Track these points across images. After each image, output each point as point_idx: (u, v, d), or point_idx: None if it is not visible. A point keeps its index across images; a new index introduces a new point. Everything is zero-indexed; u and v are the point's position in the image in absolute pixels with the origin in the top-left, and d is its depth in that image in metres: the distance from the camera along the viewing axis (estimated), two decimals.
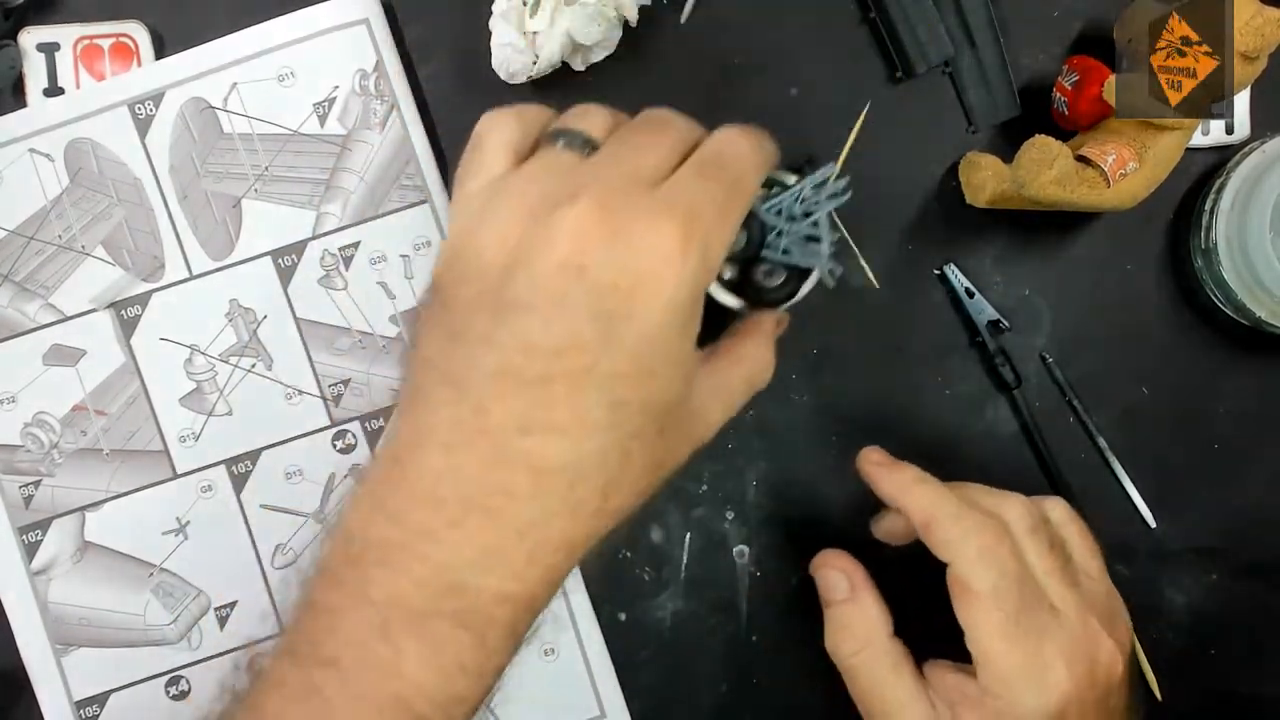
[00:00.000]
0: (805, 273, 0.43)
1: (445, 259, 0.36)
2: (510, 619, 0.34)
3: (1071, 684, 0.41)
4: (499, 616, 0.34)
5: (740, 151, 0.37)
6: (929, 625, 0.43)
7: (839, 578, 0.46)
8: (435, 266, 0.37)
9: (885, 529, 0.48)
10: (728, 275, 0.43)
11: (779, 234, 0.42)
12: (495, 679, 0.35)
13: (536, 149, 0.38)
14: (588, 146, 0.37)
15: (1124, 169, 0.47)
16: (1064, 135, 0.47)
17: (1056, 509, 0.46)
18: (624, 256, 0.33)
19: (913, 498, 0.44)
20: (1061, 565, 0.44)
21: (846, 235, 0.45)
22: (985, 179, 0.49)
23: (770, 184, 0.43)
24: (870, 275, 0.47)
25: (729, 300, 0.42)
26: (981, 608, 0.42)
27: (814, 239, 0.42)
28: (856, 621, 0.45)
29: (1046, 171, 0.45)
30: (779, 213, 0.42)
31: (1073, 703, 0.42)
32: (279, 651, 0.36)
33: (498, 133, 0.38)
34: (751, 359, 0.41)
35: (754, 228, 0.42)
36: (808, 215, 0.42)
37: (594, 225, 0.34)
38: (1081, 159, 0.47)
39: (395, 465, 0.35)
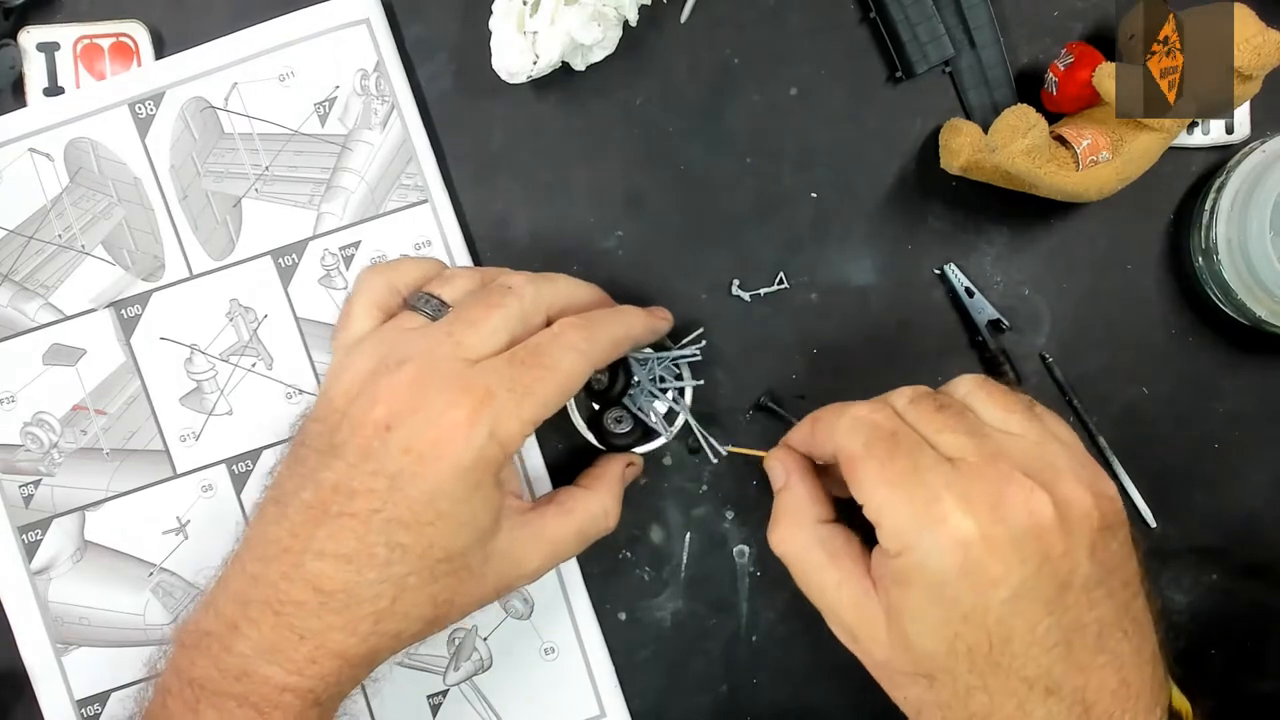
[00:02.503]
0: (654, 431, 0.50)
1: (316, 399, 0.44)
2: (295, 708, 0.41)
3: (970, 520, 0.38)
4: (284, 703, 0.40)
5: (564, 342, 0.43)
6: None
7: (776, 467, 0.46)
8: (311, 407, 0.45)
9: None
10: (586, 410, 0.49)
11: (638, 387, 0.49)
12: None
13: (403, 307, 0.46)
14: (440, 311, 0.44)
15: (1096, 156, 0.47)
16: (1050, 119, 0.48)
17: (960, 382, 0.44)
18: (422, 424, 0.40)
19: (802, 422, 0.45)
20: (954, 419, 0.41)
21: (691, 420, 0.50)
22: (962, 144, 0.49)
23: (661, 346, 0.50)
24: (710, 449, 0.51)
25: (585, 434, 0.49)
26: (859, 465, 0.40)
27: (667, 402, 0.50)
28: (785, 508, 0.45)
29: (1020, 139, 0.45)
30: (646, 366, 0.49)
31: (976, 543, 0.37)
32: None
33: (366, 294, 0.45)
34: (583, 511, 0.46)
35: (620, 375, 0.48)
36: (666, 380, 0.50)
37: (406, 393, 0.41)
38: (1058, 139, 0.48)
39: (226, 566, 0.43)
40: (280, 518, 0.42)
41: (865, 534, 0.42)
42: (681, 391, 0.50)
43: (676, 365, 0.50)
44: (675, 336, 0.50)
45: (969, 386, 0.43)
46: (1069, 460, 0.40)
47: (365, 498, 0.40)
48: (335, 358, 0.45)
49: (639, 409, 0.49)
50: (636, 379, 0.49)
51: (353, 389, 0.42)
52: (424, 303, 0.44)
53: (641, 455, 0.50)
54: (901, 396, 0.43)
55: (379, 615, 0.41)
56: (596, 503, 0.47)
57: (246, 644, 0.41)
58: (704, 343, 0.50)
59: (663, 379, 0.50)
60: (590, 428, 0.49)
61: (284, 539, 0.41)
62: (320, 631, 0.40)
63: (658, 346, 0.50)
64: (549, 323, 0.44)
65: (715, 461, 0.51)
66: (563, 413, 0.46)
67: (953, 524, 0.38)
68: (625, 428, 0.49)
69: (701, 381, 0.50)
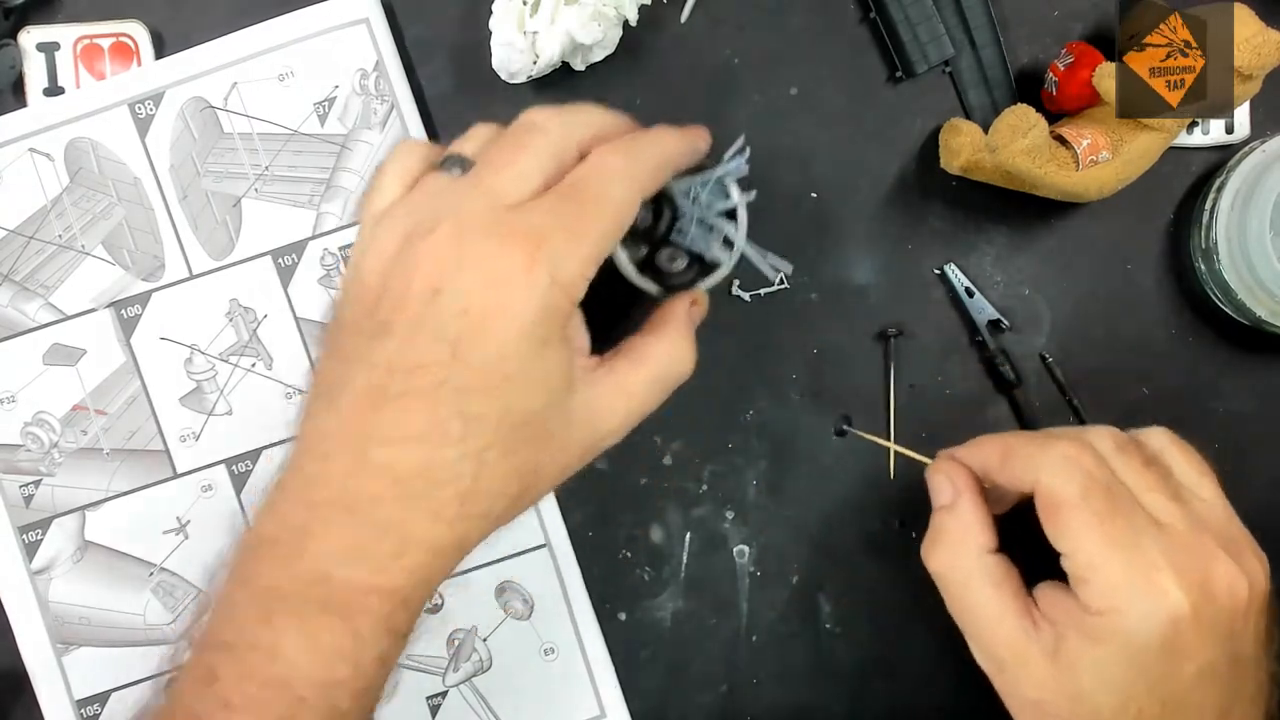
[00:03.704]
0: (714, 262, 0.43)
1: (342, 281, 0.39)
2: (381, 611, 0.37)
3: (1184, 596, 0.37)
4: (369, 606, 0.36)
5: (607, 168, 0.39)
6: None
7: (943, 482, 0.43)
8: (333, 297, 0.40)
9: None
10: (635, 254, 0.43)
11: (689, 219, 0.43)
12: (378, 671, 0.37)
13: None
14: (464, 168, 0.40)
15: (1096, 156, 0.47)
16: (1050, 119, 0.48)
17: (1155, 435, 0.43)
18: (474, 281, 0.36)
19: (988, 445, 0.43)
20: (1161, 480, 0.40)
21: (748, 249, 0.44)
22: (962, 144, 0.49)
23: (700, 169, 0.43)
24: (772, 269, 0.45)
25: (640, 282, 0.42)
26: (1073, 514, 0.38)
27: (722, 228, 0.43)
28: (950, 530, 0.42)
29: (1020, 139, 0.45)
30: (690, 195, 0.43)
31: (1187, 620, 0.37)
32: (190, 644, 0.39)
33: (397, 162, 0.41)
34: (656, 357, 0.42)
35: (665, 209, 0.43)
36: (721, 203, 0.43)
37: (448, 252, 0.37)
38: (1058, 139, 0.48)
39: (284, 471, 0.39)
40: (332, 410, 0.38)
41: (1021, 560, 0.41)
42: (733, 212, 0.43)
43: (723, 184, 0.44)
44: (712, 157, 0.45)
45: (1163, 441, 0.43)
46: (1243, 533, 0.41)
47: (427, 371, 0.36)
48: (362, 232, 0.40)
49: (691, 242, 0.43)
50: (681, 209, 0.43)
51: (386, 261, 0.38)
52: (448, 164, 0.40)
53: (705, 291, 0.44)
54: (1103, 440, 0.41)
55: (463, 496, 0.37)
56: (668, 346, 0.42)
57: (321, 546, 0.37)
58: (748, 151, 0.43)
59: (710, 203, 0.43)
60: (643, 273, 0.43)
61: (341, 432, 0.37)
62: (402, 523, 0.37)
63: (697, 170, 0.44)
64: (583, 157, 0.40)
65: (777, 285, 0.49)
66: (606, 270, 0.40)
67: (1171, 598, 0.37)
68: (681, 264, 0.43)
69: (754, 194, 0.44)
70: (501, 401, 0.37)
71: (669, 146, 0.41)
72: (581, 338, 0.40)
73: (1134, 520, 0.39)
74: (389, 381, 0.37)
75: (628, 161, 0.39)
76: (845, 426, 0.51)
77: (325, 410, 0.38)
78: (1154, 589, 0.37)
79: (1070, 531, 0.39)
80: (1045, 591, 0.40)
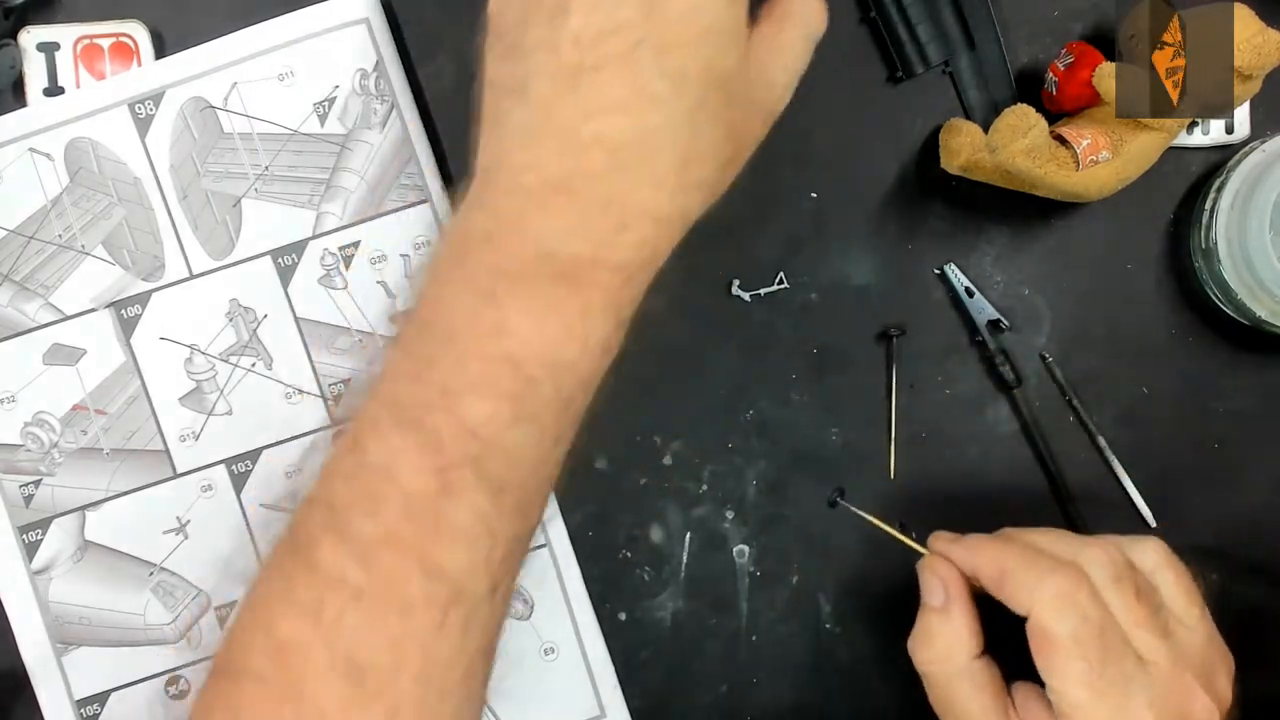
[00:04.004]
0: None
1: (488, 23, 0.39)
2: (610, 286, 0.36)
3: None
4: (598, 280, 0.36)
5: None
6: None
7: (936, 584, 0.44)
8: (488, 7, 0.39)
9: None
10: None
11: None
12: (601, 360, 0.37)
13: None
14: None
15: (1096, 156, 0.47)
16: (1050, 119, 0.48)
17: (1149, 552, 0.44)
18: None
19: (983, 554, 0.43)
20: (1151, 614, 0.41)
21: None
22: (962, 144, 0.49)
23: None
24: None
25: None
26: (1062, 656, 0.40)
27: None
28: (940, 635, 0.43)
29: (1020, 139, 0.45)
30: None
31: None
32: (384, 364, 0.37)
33: None
34: (799, 11, 0.40)
35: None
36: None
37: None
38: (1058, 138, 0.48)
39: (483, 172, 0.37)
40: (523, 105, 0.36)
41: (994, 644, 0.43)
42: None
43: None
44: None
45: (1157, 560, 0.44)
46: (1220, 653, 0.43)
47: (620, 35, 0.35)
48: None
49: None
50: None
51: None
52: None
53: None
54: (1101, 569, 0.41)
55: (680, 162, 0.36)
56: (807, 1, 0.41)
57: (542, 226, 0.35)
58: None
59: None
60: None
61: (540, 119, 0.36)
62: (623, 195, 0.35)
63: None
64: None
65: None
66: None
67: None
68: None
69: None
70: (703, 56, 0.35)
71: None
72: None
73: (1123, 667, 0.40)
74: (580, 56, 0.35)
75: None
76: (838, 499, 0.51)
77: (516, 108, 0.36)
78: None
79: (1058, 671, 0.40)
80: (1027, 699, 0.42)
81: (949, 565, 0.44)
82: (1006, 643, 0.44)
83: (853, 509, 0.50)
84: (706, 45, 0.35)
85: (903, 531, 0.47)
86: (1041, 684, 0.41)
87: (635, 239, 0.36)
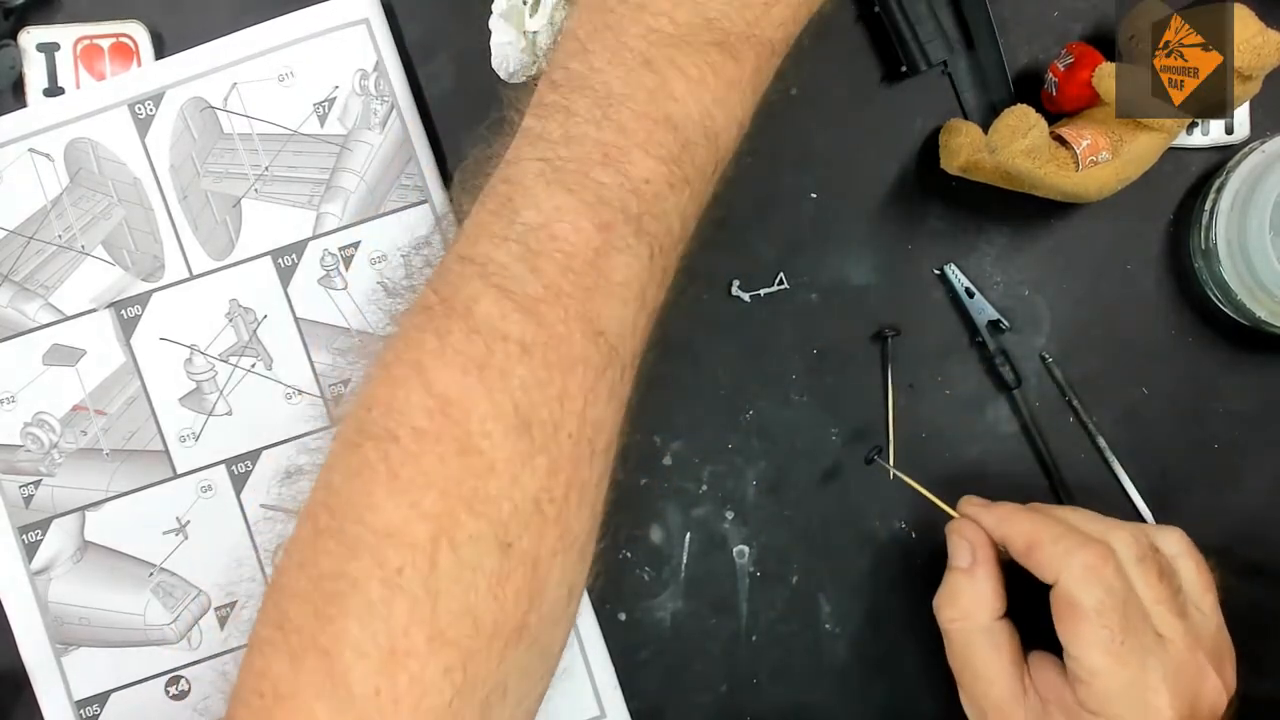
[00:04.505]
0: None
1: None
2: (756, 60, 0.37)
3: (1174, 714, 0.41)
4: (749, 53, 0.36)
5: None
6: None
7: (964, 546, 0.45)
8: None
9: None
10: None
11: None
12: (738, 134, 0.37)
13: None
14: None
15: (1096, 156, 0.47)
16: (1050, 119, 0.48)
17: (1171, 539, 0.46)
18: None
19: (1015, 524, 0.44)
20: (1171, 595, 0.43)
21: None
22: (961, 144, 0.49)
23: None
24: None
25: None
26: (1086, 624, 0.41)
27: None
28: (965, 594, 0.45)
29: (1020, 140, 0.45)
30: None
31: None
32: (524, 129, 0.37)
33: None
34: None
35: None
36: None
37: None
38: (1057, 139, 0.48)
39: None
40: None
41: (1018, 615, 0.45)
42: None
43: None
44: None
45: (1179, 548, 0.46)
46: (1227, 643, 0.45)
47: None
48: None
49: None
50: None
51: None
52: None
53: None
54: (1127, 547, 0.43)
55: None
56: None
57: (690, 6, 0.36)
58: None
59: None
60: None
61: None
62: None
63: None
64: None
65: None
66: None
67: (1157, 707, 0.41)
68: None
69: None
70: None
71: None
72: None
73: (1142, 640, 0.41)
74: None
75: None
76: (875, 456, 0.51)
77: None
78: (1149, 709, 0.41)
79: (1081, 639, 0.41)
80: (1042, 665, 0.44)
81: (976, 528, 0.45)
82: (1024, 616, 0.45)
83: (889, 468, 0.50)
84: None
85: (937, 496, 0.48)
86: (1058, 654, 0.43)
87: (780, 15, 0.37)
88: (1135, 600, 0.42)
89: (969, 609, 0.45)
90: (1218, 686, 0.42)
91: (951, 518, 0.47)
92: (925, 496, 0.48)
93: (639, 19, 0.36)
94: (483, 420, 0.34)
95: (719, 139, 0.37)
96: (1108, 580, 0.41)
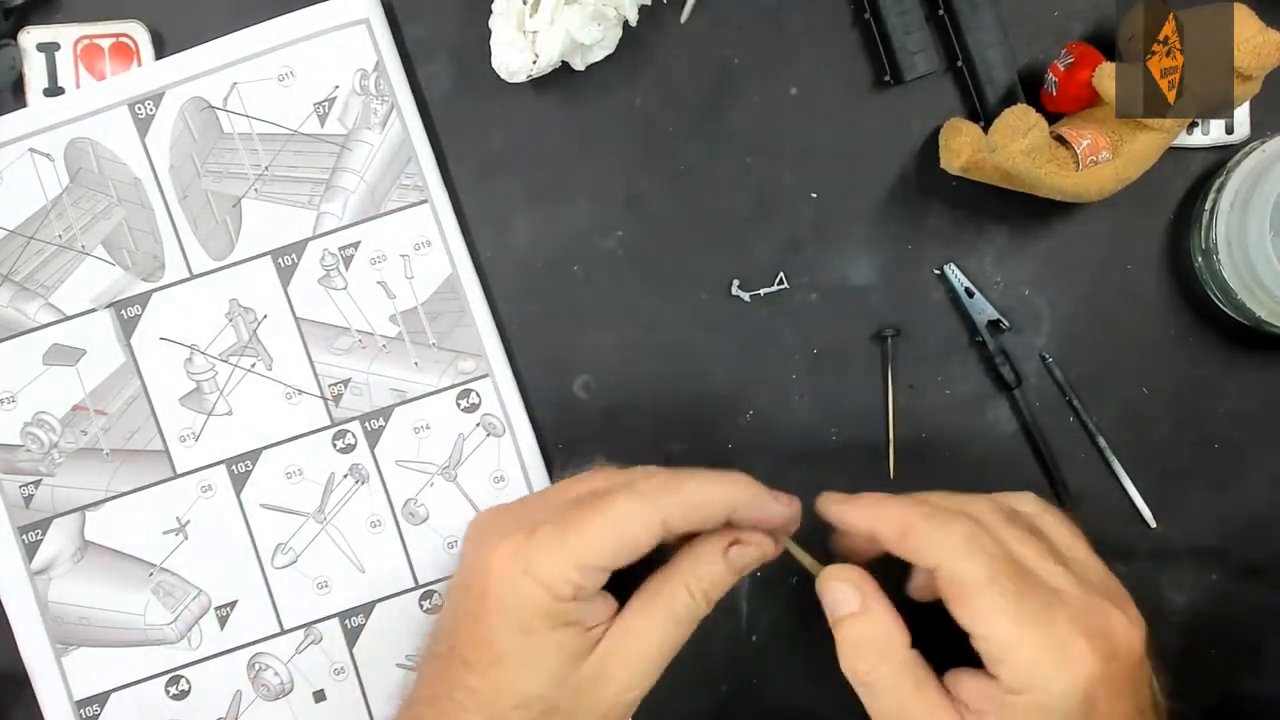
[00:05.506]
0: None
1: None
2: None
3: (1096, 660, 0.38)
4: None
5: (630, 487, 0.41)
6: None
7: (847, 590, 0.42)
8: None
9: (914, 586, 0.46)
10: None
11: None
12: None
13: None
14: None
15: (1096, 156, 0.47)
16: (1050, 119, 0.48)
17: (1025, 502, 0.44)
18: (476, 556, 0.41)
19: (882, 514, 0.42)
20: (1047, 548, 0.41)
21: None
22: (962, 144, 0.49)
23: None
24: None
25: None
26: (983, 597, 0.39)
27: None
28: (869, 636, 0.41)
29: (1020, 139, 0.45)
30: None
31: (1100, 682, 0.38)
32: None
33: None
34: (666, 594, 0.43)
35: None
36: None
37: (480, 529, 0.44)
38: (1058, 139, 0.48)
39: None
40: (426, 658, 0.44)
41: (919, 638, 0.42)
42: None
43: None
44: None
45: (1035, 507, 0.44)
46: (1120, 586, 0.42)
47: (445, 636, 0.41)
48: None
49: None
50: None
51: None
52: None
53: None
54: (989, 513, 0.42)
55: None
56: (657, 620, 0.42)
57: None
58: None
59: None
60: None
61: (419, 686, 0.43)
62: None
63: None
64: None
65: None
66: None
67: (1086, 664, 0.38)
68: None
69: None
70: (491, 681, 0.40)
71: (729, 492, 0.42)
72: (601, 610, 0.41)
73: (1039, 595, 0.39)
74: (430, 643, 0.43)
75: (657, 485, 0.41)
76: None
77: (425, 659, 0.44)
78: (1069, 659, 0.38)
79: (983, 615, 0.39)
80: (961, 680, 0.41)
81: (850, 567, 0.43)
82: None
83: (794, 548, 0.46)
84: (498, 672, 0.40)
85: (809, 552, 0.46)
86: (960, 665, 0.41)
87: None
88: (1019, 560, 0.40)
89: (883, 649, 0.41)
90: (1124, 622, 0.40)
91: (815, 576, 0.44)
92: (796, 556, 0.45)
93: None
94: None
95: None
96: (989, 547, 0.40)
